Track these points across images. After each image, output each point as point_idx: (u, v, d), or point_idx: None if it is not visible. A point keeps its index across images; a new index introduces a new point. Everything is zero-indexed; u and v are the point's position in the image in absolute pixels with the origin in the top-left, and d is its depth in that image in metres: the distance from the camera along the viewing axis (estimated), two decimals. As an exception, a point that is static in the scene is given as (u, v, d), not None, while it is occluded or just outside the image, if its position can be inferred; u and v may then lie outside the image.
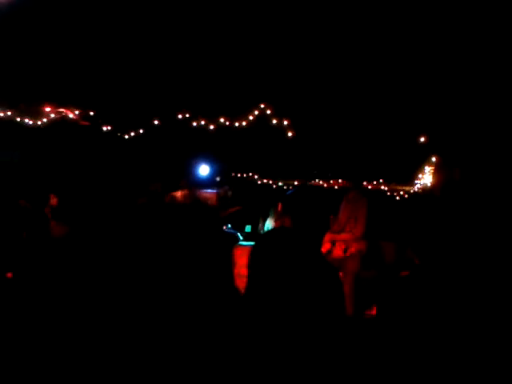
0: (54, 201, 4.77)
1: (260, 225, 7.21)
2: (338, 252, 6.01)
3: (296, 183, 17.88)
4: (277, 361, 1.66)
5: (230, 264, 1.63)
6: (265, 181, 18.73)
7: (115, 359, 1.56)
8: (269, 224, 8.07)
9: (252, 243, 1.90)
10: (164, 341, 1.47)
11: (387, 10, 8.76)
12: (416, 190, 20.50)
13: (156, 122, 11.86)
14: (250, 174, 18.21)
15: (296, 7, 8.83)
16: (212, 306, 1.51)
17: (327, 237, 6.02)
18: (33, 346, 1.70)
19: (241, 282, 1.86)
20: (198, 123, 12.06)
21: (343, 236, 6.05)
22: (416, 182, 20.21)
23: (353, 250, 6.03)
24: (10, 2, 4.08)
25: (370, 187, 19.74)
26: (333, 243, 6.01)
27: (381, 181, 20.42)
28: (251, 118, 12.86)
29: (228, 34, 9.60)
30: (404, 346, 4.84)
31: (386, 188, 20.86)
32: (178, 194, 4.81)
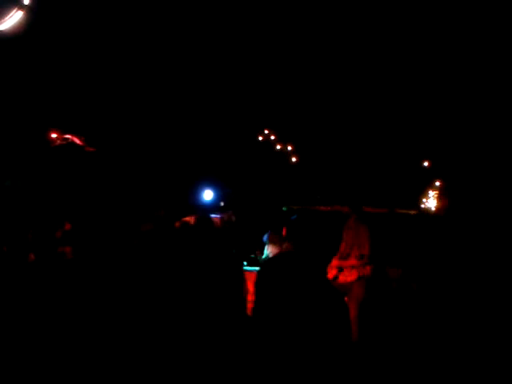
0: (67, 226, 4.76)
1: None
2: (344, 278, 5.99)
3: (300, 208, 17.90)
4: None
5: (241, 289, 1.64)
6: (269, 205, 18.75)
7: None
8: (267, 249, 8.02)
9: (256, 268, 1.91)
10: (174, 366, 1.47)
11: (389, 36, 8.88)
12: (420, 214, 20.49)
13: (159, 148, 11.93)
14: (254, 199, 18.24)
15: (300, 36, 8.96)
16: (223, 330, 1.51)
17: (333, 263, 6.01)
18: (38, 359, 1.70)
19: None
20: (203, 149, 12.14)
21: (350, 262, 6.04)
22: (420, 206, 20.19)
23: (360, 274, 6.01)
24: (15, 32, 4.17)
25: (373, 212, 19.71)
26: (339, 269, 6.00)
27: (384, 205, 20.40)
28: (255, 143, 12.96)
29: (234, 61, 9.73)
30: (408, 369, 4.79)
31: (390, 212, 20.82)
32: (192, 220, 4.73)
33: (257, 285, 1.74)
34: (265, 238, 8.12)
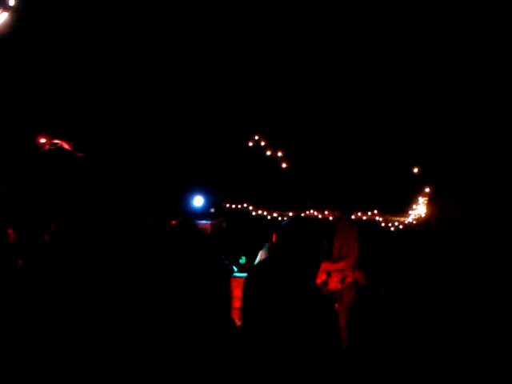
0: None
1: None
2: (334, 283, 5.94)
3: (291, 214, 17.85)
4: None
5: (227, 295, 1.60)
6: (259, 212, 18.71)
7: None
8: (260, 256, 8.00)
9: (245, 275, 1.87)
10: (160, 373, 1.43)
11: (380, 39, 8.90)
12: (410, 220, 20.52)
13: (149, 154, 11.88)
14: (245, 205, 18.19)
15: (289, 42, 8.96)
16: (209, 338, 1.47)
17: (322, 267, 5.95)
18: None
19: (235, 314, 1.83)
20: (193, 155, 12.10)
21: (338, 265, 5.99)
22: (410, 212, 20.25)
23: (349, 279, 5.97)
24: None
25: (364, 218, 19.73)
26: (328, 274, 5.95)
27: (375, 211, 20.43)
28: (245, 149, 12.92)
29: (224, 65, 9.71)
30: (398, 374, 4.76)
31: (381, 219, 20.85)
32: (174, 223, 4.70)
33: (244, 290, 1.70)
34: (265, 245, 8.11)
